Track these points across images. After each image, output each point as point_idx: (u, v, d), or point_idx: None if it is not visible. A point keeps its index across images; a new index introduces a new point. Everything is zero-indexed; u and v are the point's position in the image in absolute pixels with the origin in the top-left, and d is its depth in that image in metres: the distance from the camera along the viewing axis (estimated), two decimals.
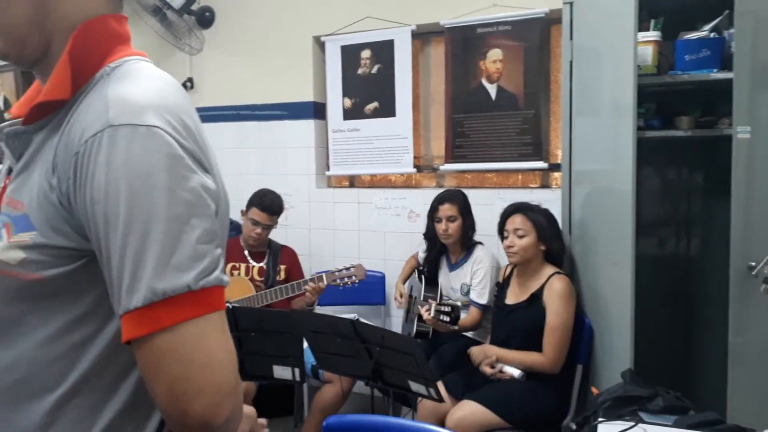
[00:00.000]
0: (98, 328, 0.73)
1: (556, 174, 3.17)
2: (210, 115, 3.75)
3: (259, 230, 2.91)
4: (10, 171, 0.82)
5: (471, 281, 2.72)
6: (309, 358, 2.38)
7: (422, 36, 3.43)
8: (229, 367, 0.68)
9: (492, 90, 3.18)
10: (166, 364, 0.64)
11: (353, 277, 2.78)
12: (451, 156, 3.28)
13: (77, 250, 0.70)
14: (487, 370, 2.30)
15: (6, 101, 4.36)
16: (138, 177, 0.65)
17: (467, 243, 2.79)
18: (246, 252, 3.01)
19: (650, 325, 2.38)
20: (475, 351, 2.39)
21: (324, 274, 2.78)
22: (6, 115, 4.34)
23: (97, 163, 0.65)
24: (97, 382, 0.73)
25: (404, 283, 3.04)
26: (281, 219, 3.08)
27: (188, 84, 3.82)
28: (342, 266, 2.80)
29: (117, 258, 0.65)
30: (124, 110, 0.67)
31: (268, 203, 2.91)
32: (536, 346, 2.27)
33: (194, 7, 3.61)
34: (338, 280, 2.77)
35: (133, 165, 0.65)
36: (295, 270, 3.08)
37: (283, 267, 3.04)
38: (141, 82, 0.72)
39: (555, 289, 2.25)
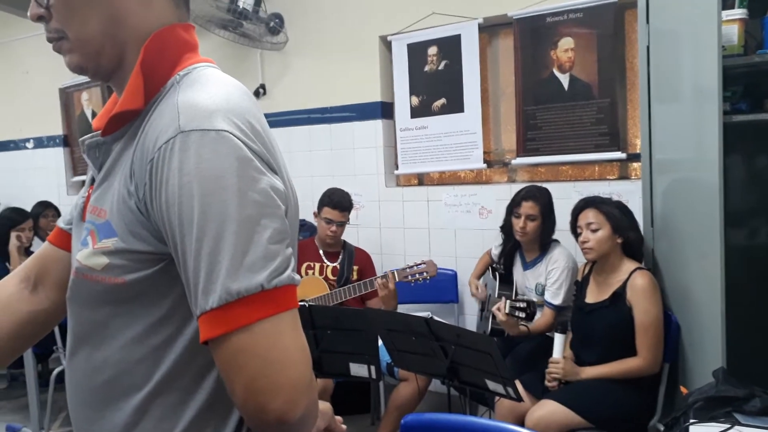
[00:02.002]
0: (178, 329, 0.75)
1: (635, 164, 3.03)
2: (282, 120, 3.84)
3: (333, 228, 2.96)
4: (93, 181, 0.86)
5: (546, 281, 2.64)
6: (384, 356, 2.40)
7: (489, 29, 3.38)
8: (304, 364, 0.69)
9: (564, 80, 3.09)
10: (242, 363, 0.66)
11: (425, 273, 2.76)
12: (523, 149, 3.21)
13: (156, 254, 0.73)
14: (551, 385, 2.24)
15: (94, 114, 4.64)
16: (209, 180, 0.66)
17: (544, 242, 2.70)
18: (321, 252, 3.06)
19: (742, 321, 2.23)
20: (568, 369, 2.23)
21: (395, 271, 2.78)
22: (91, 127, 4.62)
23: (170, 169, 0.68)
24: (179, 381, 0.76)
25: (478, 279, 3.00)
26: (352, 219, 3.11)
27: (261, 90, 3.93)
28: (413, 262, 2.79)
29: (192, 260, 0.67)
30: (193, 116, 0.69)
31: (337, 200, 2.96)
32: (620, 347, 2.18)
33: (262, 14, 3.71)
34: (409, 276, 2.76)
35: (204, 169, 0.67)
36: (368, 271, 3.10)
37: (356, 267, 3.07)
38: (209, 88, 0.74)
39: (639, 286, 2.15)
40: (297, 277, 0.71)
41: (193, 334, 0.75)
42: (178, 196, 0.67)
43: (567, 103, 3.08)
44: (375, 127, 3.63)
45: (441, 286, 3.24)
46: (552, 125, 3.12)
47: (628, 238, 2.25)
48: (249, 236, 0.66)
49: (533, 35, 3.14)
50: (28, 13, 0.79)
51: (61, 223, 1.00)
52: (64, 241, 0.97)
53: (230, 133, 0.69)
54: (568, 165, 3.23)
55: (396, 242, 3.59)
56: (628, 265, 2.24)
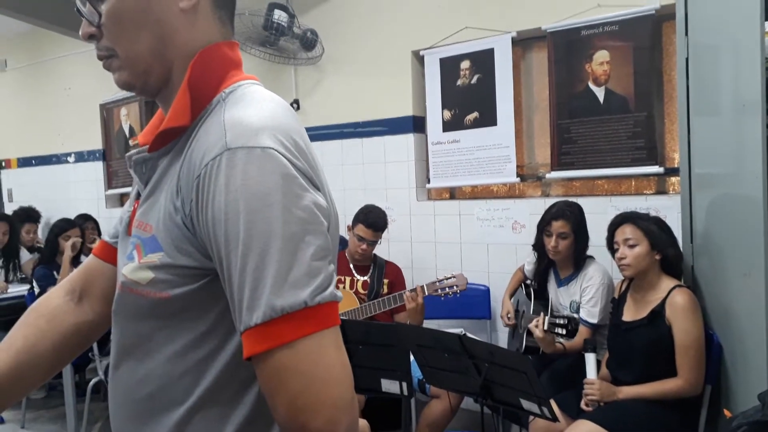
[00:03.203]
0: (220, 344, 0.76)
1: (674, 179, 2.96)
2: (315, 134, 3.87)
3: (364, 246, 2.95)
4: (138, 195, 0.87)
5: (581, 298, 2.59)
6: (416, 372, 2.37)
7: (523, 42, 3.36)
8: (346, 382, 0.68)
9: (600, 93, 3.04)
10: (285, 380, 0.66)
11: (455, 287, 2.73)
12: (558, 163, 3.17)
13: (201, 269, 0.74)
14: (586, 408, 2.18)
15: (131, 130, 4.75)
16: (255, 197, 0.67)
17: (578, 259, 2.64)
18: (351, 266, 3.06)
19: None
20: (604, 390, 2.16)
21: (424, 285, 2.75)
22: (130, 142, 4.73)
23: (217, 185, 0.68)
24: (220, 396, 0.76)
25: (511, 297, 2.95)
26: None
27: (294, 105, 3.98)
28: (443, 276, 2.76)
29: (237, 276, 0.67)
30: (240, 133, 0.70)
31: (373, 220, 2.95)
32: (659, 367, 2.11)
33: (296, 29, 3.76)
34: (439, 290, 2.73)
35: (251, 186, 0.67)
36: (399, 285, 3.08)
37: (386, 281, 3.05)
38: (254, 106, 0.75)
39: (679, 305, 2.09)
40: (339, 293, 0.71)
41: (234, 349, 0.75)
42: (225, 212, 0.68)
43: (602, 116, 3.03)
44: (407, 141, 3.64)
45: (473, 302, 3.20)
46: (587, 139, 3.08)
47: (667, 254, 2.19)
48: (293, 253, 0.67)
49: (568, 48, 3.11)
50: (80, 32, 0.82)
51: (106, 237, 1.01)
52: (110, 254, 0.99)
53: (275, 150, 0.69)
54: (603, 179, 3.17)
55: (427, 256, 3.57)
56: (667, 282, 2.18)
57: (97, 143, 5.01)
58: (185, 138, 0.78)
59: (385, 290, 3.03)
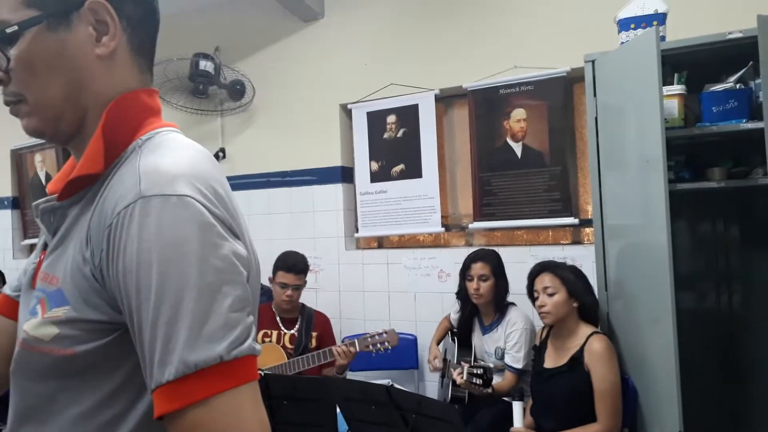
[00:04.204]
0: (130, 404, 0.72)
1: (588, 229, 3.13)
2: (241, 183, 3.84)
3: (289, 292, 2.88)
4: (44, 246, 0.83)
5: (505, 344, 2.65)
6: (342, 426, 2.32)
7: (445, 99, 3.51)
8: None
9: (517, 148, 3.20)
10: None
11: (386, 344, 2.69)
12: (480, 214, 3.28)
13: (109, 324, 0.70)
14: None
15: (48, 177, 4.53)
16: (169, 246, 0.64)
17: (500, 304, 2.73)
18: (278, 318, 2.98)
19: (697, 384, 2.27)
20: None
21: (356, 340, 2.72)
22: (45, 190, 4.50)
23: (129, 234, 0.65)
24: None
25: (438, 345, 2.97)
26: (311, 282, 3.07)
27: (220, 154, 3.94)
28: (374, 331, 2.74)
29: (149, 330, 0.64)
30: (155, 181, 0.68)
31: (292, 263, 2.89)
32: (580, 412, 2.16)
33: (223, 79, 3.77)
34: (370, 346, 2.70)
35: (165, 235, 0.65)
36: (327, 337, 3.02)
37: (314, 334, 2.99)
38: (172, 153, 0.73)
39: (596, 351, 2.17)
40: (258, 346, 0.69)
41: (146, 409, 0.71)
42: (136, 262, 0.65)
43: (520, 170, 3.18)
44: (335, 190, 3.67)
45: (401, 352, 3.18)
46: (507, 191, 3.21)
47: (584, 302, 2.29)
48: (209, 304, 0.64)
49: (487, 106, 3.27)
50: None
51: (7, 290, 0.95)
52: (11, 309, 0.92)
53: (193, 198, 0.67)
54: (523, 230, 3.30)
55: (356, 306, 3.55)
56: (585, 329, 2.27)
57: (5, 190, 4.74)
58: (97, 186, 0.75)
59: (314, 344, 2.96)
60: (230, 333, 0.65)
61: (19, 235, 4.73)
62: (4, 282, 4.15)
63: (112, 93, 0.79)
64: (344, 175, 3.68)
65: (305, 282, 2.97)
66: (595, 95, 2.48)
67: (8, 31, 0.73)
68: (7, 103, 0.79)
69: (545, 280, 2.29)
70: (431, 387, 3.24)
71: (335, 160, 3.69)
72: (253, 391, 0.66)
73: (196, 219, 0.66)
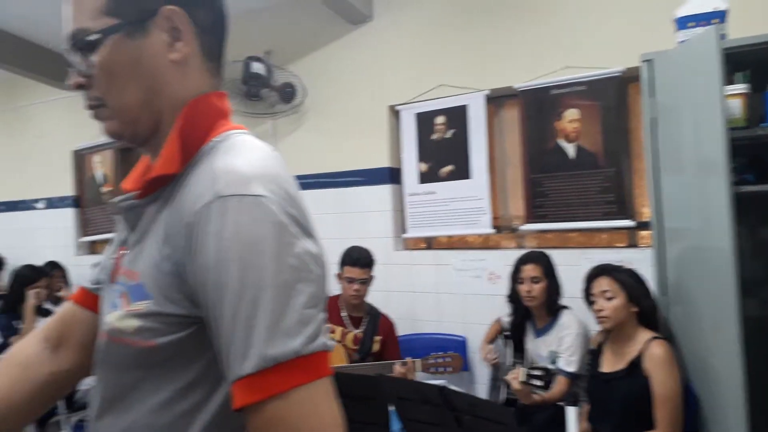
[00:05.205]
0: (206, 395, 0.75)
1: (644, 232, 3.06)
2: None
3: (356, 286, 2.85)
4: (122, 242, 0.87)
5: (558, 348, 2.62)
6: (395, 425, 2.33)
7: (495, 99, 3.48)
8: None
9: (570, 149, 3.16)
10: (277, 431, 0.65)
11: (450, 369, 2.64)
12: (531, 216, 3.24)
13: (188, 318, 0.73)
14: None
15: (105, 177, 4.70)
16: (247, 245, 0.67)
17: (553, 307, 2.70)
18: (344, 314, 2.93)
19: (761, 392, 2.19)
20: None
21: (419, 361, 2.65)
22: (103, 189, 4.67)
23: (207, 233, 0.68)
24: None
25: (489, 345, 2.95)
26: None
27: None
28: (439, 353, 2.66)
29: (227, 325, 0.66)
30: (231, 182, 0.70)
31: (357, 256, 2.88)
32: (638, 418, 2.12)
33: (274, 82, 3.84)
34: (431, 369, 2.63)
35: (242, 234, 0.67)
36: (390, 344, 2.96)
37: (379, 338, 2.93)
38: (245, 154, 0.76)
39: (656, 357, 2.12)
40: (330, 342, 0.71)
41: (221, 400, 0.74)
42: (216, 261, 0.67)
43: (573, 171, 3.13)
44: (383, 191, 3.69)
45: None
46: (559, 193, 3.17)
47: (644, 306, 2.24)
48: (285, 301, 0.66)
49: (538, 106, 3.24)
50: (68, 82, 0.82)
51: (86, 283, 0.99)
52: (90, 301, 0.97)
53: (267, 198, 0.70)
54: (576, 232, 3.25)
55: (405, 306, 3.56)
56: (644, 334, 2.22)
57: (67, 190, 4.94)
58: (173, 185, 0.78)
59: (377, 348, 2.91)
60: (305, 329, 0.67)
61: (79, 233, 4.93)
62: (66, 278, 4.34)
63: (185, 97, 0.82)
64: (392, 176, 3.70)
65: (372, 276, 2.94)
66: (652, 95, 2.43)
67: (91, 38, 0.77)
68: (89, 108, 0.83)
69: (603, 283, 2.25)
70: (481, 390, 3.23)
71: (383, 161, 3.71)
72: (328, 385, 0.69)
73: (270, 218, 0.69)
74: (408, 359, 2.65)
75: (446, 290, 3.46)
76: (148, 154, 0.88)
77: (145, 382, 0.76)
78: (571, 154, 3.15)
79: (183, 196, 0.74)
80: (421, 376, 2.66)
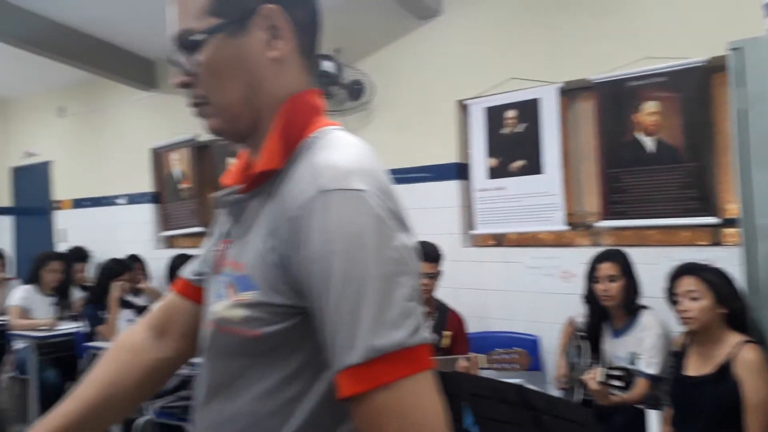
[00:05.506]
0: (309, 384, 0.76)
1: (729, 230, 2.91)
2: None
3: (425, 281, 2.84)
4: (225, 235, 0.89)
5: (638, 349, 2.52)
6: (468, 420, 2.31)
7: (568, 92, 3.39)
8: (443, 427, 0.68)
9: (649, 143, 3.04)
10: (385, 422, 0.66)
11: (516, 365, 2.57)
12: (607, 212, 3.14)
13: (293, 308, 0.74)
14: None
15: (183, 174, 4.89)
16: (350, 238, 0.68)
17: (631, 307, 2.60)
18: None
19: None
20: None
21: (483, 356, 2.60)
22: (179, 185, 4.86)
23: (311, 227, 0.70)
24: None
25: (565, 354, 2.86)
26: None
27: None
28: (505, 349, 2.61)
29: (332, 315, 0.68)
30: (333, 177, 0.72)
31: (424, 251, 2.82)
32: (726, 424, 2.03)
33: (343, 80, 3.88)
34: (496, 365, 2.59)
35: (345, 227, 0.69)
36: (460, 339, 2.94)
37: (448, 333, 2.91)
38: (344, 150, 0.78)
39: (749, 362, 2.01)
40: (430, 336, 0.71)
41: (324, 389, 0.75)
42: (321, 253, 0.69)
43: (653, 166, 3.01)
44: (451, 187, 3.66)
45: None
46: (637, 188, 3.06)
47: (733, 308, 2.13)
48: (388, 293, 0.67)
49: (614, 99, 3.13)
50: (173, 81, 0.84)
51: (187, 274, 1.03)
52: (191, 292, 1.00)
53: (366, 192, 0.71)
54: (655, 230, 3.13)
55: (474, 304, 3.53)
56: (733, 337, 2.11)
57: (146, 186, 5.17)
58: (275, 180, 0.80)
59: (446, 343, 2.88)
60: (408, 321, 0.67)
61: (159, 227, 5.14)
62: (144, 270, 4.55)
63: (283, 94, 0.84)
64: (460, 171, 3.67)
65: (440, 271, 2.93)
66: (741, 85, 2.30)
67: (196, 38, 0.80)
68: (193, 105, 0.86)
69: (689, 283, 2.16)
70: (552, 390, 3.16)
71: (451, 157, 3.68)
72: (431, 378, 0.69)
73: (371, 212, 0.70)
74: (471, 354, 2.63)
75: (517, 288, 3.40)
76: (248, 150, 0.91)
77: (251, 370, 0.78)
78: (650, 148, 3.03)
79: (285, 191, 0.76)
80: (485, 373, 2.63)
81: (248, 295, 0.77)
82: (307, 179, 0.74)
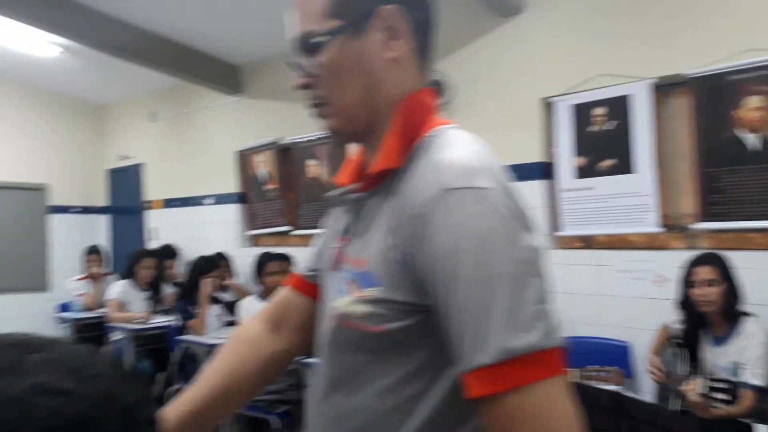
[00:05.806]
0: (430, 382, 0.75)
1: None
2: None
3: None
4: (343, 232, 0.90)
5: (742, 359, 2.37)
6: None
7: (660, 88, 3.24)
8: None
9: (752, 140, 2.86)
10: (517, 425, 0.64)
11: (609, 384, 2.51)
12: (705, 214, 2.98)
13: (415, 305, 0.74)
14: None
15: (269, 175, 5.04)
16: (477, 237, 0.67)
17: (732, 313, 2.45)
18: None
19: None
20: None
21: (577, 371, 2.56)
22: (263, 186, 5.01)
23: (436, 224, 0.69)
24: None
25: (658, 356, 2.75)
26: None
27: None
28: (599, 367, 2.56)
29: (460, 314, 0.67)
30: (457, 174, 0.71)
31: None
32: None
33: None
34: (591, 381, 2.53)
35: (472, 225, 0.68)
36: None
37: None
38: (465, 148, 0.77)
39: None
40: (563, 340, 0.69)
41: (446, 389, 0.75)
42: (447, 251, 0.68)
43: (757, 165, 2.83)
44: (535, 187, 3.58)
45: (611, 359, 3.01)
46: (739, 188, 2.89)
47: None
48: (519, 294, 0.66)
49: (712, 94, 2.97)
50: (294, 83, 0.86)
51: (303, 270, 1.05)
52: (307, 288, 1.02)
53: (491, 190, 0.70)
54: (760, 233, 2.94)
55: (559, 308, 3.42)
56: None
57: (232, 187, 5.36)
58: (394, 179, 0.80)
59: None
60: (539, 323, 0.66)
61: (245, 226, 5.32)
62: (230, 268, 4.71)
63: (399, 94, 0.84)
64: (544, 171, 3.58)
65: None
66: None
67: (317, 40, 0.82)
68: (312, 106, 0.87)
69: None
70: (647, 399, 3.03)
71: (534, 156, 3.60)
72: (565, 383, 0.67)
73: (498, 211, 0.69)
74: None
75: (606, 292, 3.28)
76: (362, 150, 0.92)
77: (373, 366, 0.78)
78: (755, 145, 2.85)
79: (406, 189, 0.76)
80: None
81: (371, 292, 0.77)
82: (430, 177, 0.73)
